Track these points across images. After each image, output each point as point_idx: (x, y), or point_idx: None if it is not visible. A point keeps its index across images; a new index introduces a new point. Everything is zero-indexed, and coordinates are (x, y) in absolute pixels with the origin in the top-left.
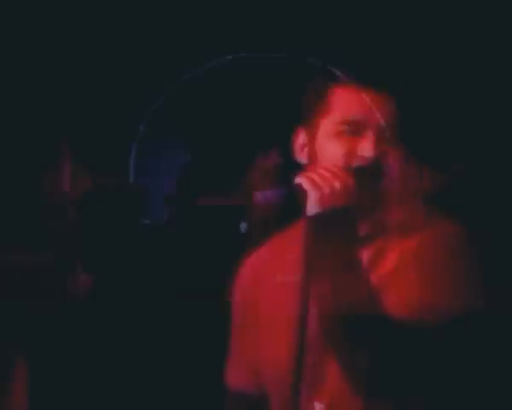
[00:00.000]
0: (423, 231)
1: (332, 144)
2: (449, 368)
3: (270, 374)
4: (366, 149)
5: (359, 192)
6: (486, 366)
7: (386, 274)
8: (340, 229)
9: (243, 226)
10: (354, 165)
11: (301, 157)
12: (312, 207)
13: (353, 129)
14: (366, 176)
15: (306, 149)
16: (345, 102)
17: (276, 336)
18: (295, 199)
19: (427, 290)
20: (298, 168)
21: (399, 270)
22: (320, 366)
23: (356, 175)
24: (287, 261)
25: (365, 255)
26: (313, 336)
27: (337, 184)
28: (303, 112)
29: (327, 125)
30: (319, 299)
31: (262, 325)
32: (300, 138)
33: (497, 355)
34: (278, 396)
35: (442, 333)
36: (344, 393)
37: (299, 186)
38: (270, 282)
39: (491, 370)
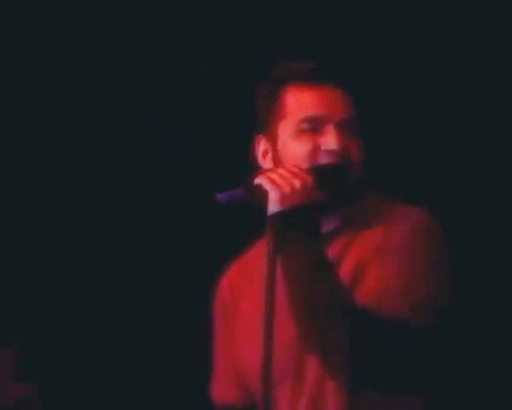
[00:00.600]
0: (387, 221)
1: (294, 144)
2: (415, 361)
3: (255, 381)
4: (329, 143)
5: (321, 189)
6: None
7: (353, 268)
8: (302, 227)
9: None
10: (313, 164)
11: (264, 164)
12: (273, 206)
13: (313, 126)
14: (327, 173)
15: (269, 155)
16: (301, 101)
17: (255, 341)
18: (255, 199)
19: (393, 281)
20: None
21: (365, 262)
22: (300, 363)
23: (316, 173)
24: (259, 268)
25: (331, 251)
26: (285, 340)
27: (297, 183)
28: (259, 119)
29: (286, 126)
30: (289, 297)
31: (242, 332)
32: (261, 145)
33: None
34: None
35: (407, 325)
36: (326, 388)
37: (259, 186)
38: (246, 290)
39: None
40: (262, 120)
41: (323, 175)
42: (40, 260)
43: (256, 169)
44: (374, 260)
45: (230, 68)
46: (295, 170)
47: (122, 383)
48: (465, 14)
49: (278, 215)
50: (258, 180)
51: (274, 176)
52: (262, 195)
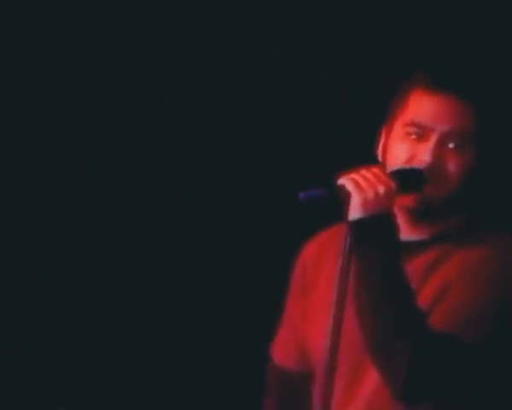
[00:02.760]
0: (483, 244)
1: (397, 146)
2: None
3: (316, 355)
4: (424, 152)
5: (400, 193)
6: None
7: (438, 288)
8: (382, 234)
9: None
10: (395, 168)
11: (379, 156)
12: (355, 211)
13: (420, 132)
14: (408, 179)
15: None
16: (417, 105)
17: (323, 321)
18: (336, 200)
19: (478, 308)
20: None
21: (453, 282)
22: (358, 368)
23: (396, 177)
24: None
25: (418, 262)
26: (352, 338)
27: (381, 188)
28: (387, 114)
29: (399, 125)
30: (358, 304)
31: (315, 305)
32: (381, 138)
33: None
34: (321, 375)
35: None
36: (382, 398)
37: (342, 188)
38: (327, 267)
39: None
40: (388, 114)
41: (402, 178)
42: (43, 262)
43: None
44: (458, 284)
45: (231, 67)
46: (379, 174)
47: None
48: None
49: (361, 220)
50: (341, 181)
51: (358, 178)
52: (344, 196)
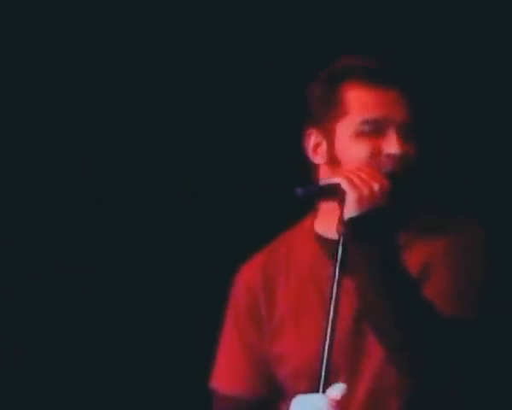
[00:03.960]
0: (451, 230)
1: (354, 145)
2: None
3: (290, 372)
4: (391, 147)
5: (393, 196)
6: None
7: (418, 269)
8: (378, 230)
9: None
10: (386, 168)
11: (315, 158)
12: (351, 208)
13: (374, 128)
14: (399, 178)
15: (321, 150)
16: (363, 101)
17: (294, 335)
18: (331, 197)
19: (465, 286)
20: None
21: (431, 265)
22: (356, 358)
23: (391, 179)
24: (296, 266)
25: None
26: (344, 336)
27: (375, 186)
28: (312, 111)
29: (345, 126)
30: (365, 303)
31: (281, 323)
32: (313, 139)
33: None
34: (295, 392)
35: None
36: (387, 381)
37: (337, 186)
38: (281, 286)
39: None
40: (315, 112)
41: (398, 182)
42: (44, 262)
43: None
44: (441, 265)
45: (231, 68)
46: (373, 172)
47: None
48: None
49: (356, 218)
50: (336, 179)
51: (352, 176)
52: (339, 194)
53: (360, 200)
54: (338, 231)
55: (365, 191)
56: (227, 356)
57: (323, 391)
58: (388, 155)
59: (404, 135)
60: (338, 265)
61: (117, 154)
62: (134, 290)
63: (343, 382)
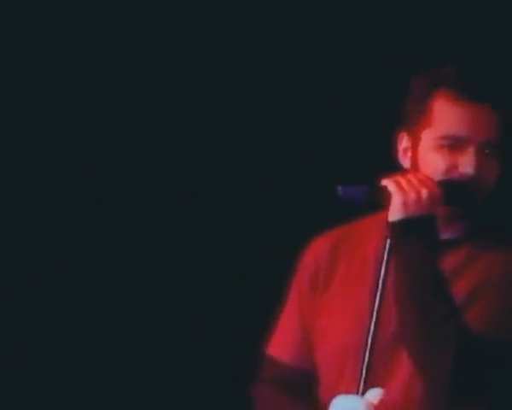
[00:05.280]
0: (507, 247)
1: (432, 156)
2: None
3: (327, 353)
4: (467, 165)
5: (446, 204)
6: None
7: (471, 288)
8: (422, 237)
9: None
10: (444, 178)
11: (404, 161)
12: (395, 211)
13: (454, 143)
14: (456, 190)
15: (409, 155)
16: (447, 116)
17: (338, 319)
18: (377, 199)
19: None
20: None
21: (486, 281)
22: (392, 362)
23: (444, 187)
24: (363, 250)
25: (448, 261)
26: (387, 338)
27: (424, 192)
28: (404, 115)
29: (428, 136)
30: (397, 304)
31: (330, 303)
32: (403, 142)
33: None
34: (331, 373)
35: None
36: (415, 392)
37: (385, 188)
38: (344, 263)
39: None
40: (408, 117)
41: (452, 191)
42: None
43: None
44: (492, 288)
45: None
46: (424, 178)
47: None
48: None
49: (400, 221)
50: (384, 182)
51: (401, 180)
52: (385, 197)
53: (405, 204)
54: (383, 235)
55: (412, 196)
56: (283, 322)
57: (362, 392)
58: (462, 173)
59: (483, 152)
60: (384, 267)
61: (117, 154)
62: (134, 290)
63: (378, 384)
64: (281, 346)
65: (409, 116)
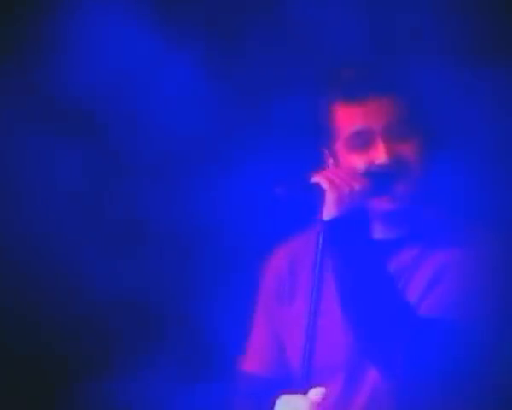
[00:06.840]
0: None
1: (350, 159)
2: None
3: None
4: (379, 157)
5: (374, 194)
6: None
7: (429, 278)
8: (358, 230)
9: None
10: (370, 169)
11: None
12: (330, 207)
13: (361, 140)
14: (383, 177)
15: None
16: (346, 118)
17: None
18: (311, 197)
19: (468, 297)
20: None
21: (442, 271)
22: (357, 363)
23: (372, 177)
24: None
25: (406, 255)
26: (340, 341)
27: (356, 185)
28: (320, 134)
29: (340, 143)
30: (344, 301)
31: (297, 310)
32: (329, 160)
33: None
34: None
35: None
36: (382, 397)
37: (317, 185)
38: (304, 275)
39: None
40: (320, 136)
41: (377, 179)
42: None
43: None
44: (449, 276)
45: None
46: (353, 172)
47: None
48: None
49: (334, 217)
50: (316, 179)
51: (333, 176)
52: (319, 194)
53: (339, 200)
54: (318, 233)
55: (345, 190)
56: (254, 334)
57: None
58: (379, 165)
59: (392, 137)
60: (318, 268)
61: (117, 154)
62: (134, 290)
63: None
64: (255, 358)
65: (319, 136)
